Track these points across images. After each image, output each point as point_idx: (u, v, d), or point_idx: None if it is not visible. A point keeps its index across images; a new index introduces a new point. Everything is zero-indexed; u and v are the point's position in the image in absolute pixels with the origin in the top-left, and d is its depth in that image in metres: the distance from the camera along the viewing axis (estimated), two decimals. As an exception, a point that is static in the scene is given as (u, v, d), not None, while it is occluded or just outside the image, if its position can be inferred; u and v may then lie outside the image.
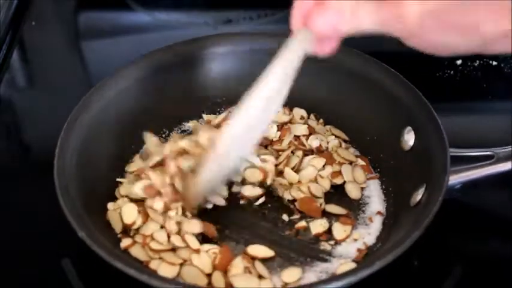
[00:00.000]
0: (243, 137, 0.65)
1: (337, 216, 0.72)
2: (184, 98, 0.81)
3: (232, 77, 0.81)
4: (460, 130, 0.71)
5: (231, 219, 0.72)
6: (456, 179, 0.69)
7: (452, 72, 0.91)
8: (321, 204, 0.72)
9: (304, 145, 0.77)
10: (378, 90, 0.77)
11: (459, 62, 0.92)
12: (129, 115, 0.77)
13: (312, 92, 0.80)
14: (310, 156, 0.76)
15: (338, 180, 0.74)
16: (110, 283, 0.61)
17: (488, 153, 0.72)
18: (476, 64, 0.92)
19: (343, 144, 0.79)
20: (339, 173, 0.75)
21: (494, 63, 0.93)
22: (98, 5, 1.03)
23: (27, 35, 0.98)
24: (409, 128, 0.73)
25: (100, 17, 1.03)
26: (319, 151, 0.77)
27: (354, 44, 0.89)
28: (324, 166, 0.76)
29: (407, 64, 0.84)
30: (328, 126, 0.80)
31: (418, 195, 0.68)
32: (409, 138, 0.73)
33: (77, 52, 0.99)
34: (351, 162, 0.76)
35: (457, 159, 0.70)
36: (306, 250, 0.69)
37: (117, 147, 0.76)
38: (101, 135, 0.74)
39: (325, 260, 0.68)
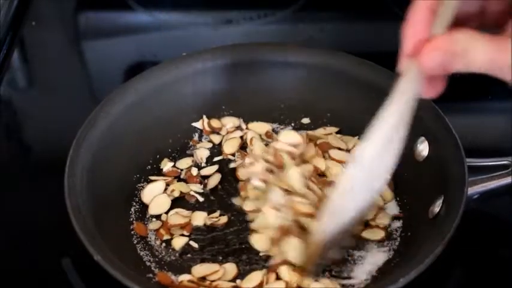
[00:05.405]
0: (360, 184, 0.61)
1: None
2: (198, 110, 0.80)
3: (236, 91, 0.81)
4: (460, 130, 0.70)
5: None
6: (473, 189, 0.67)
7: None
8: None
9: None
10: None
11: (459, 62, 0.92)
12: (139, 130, 0.76)
13: (327, 103, 0.79)
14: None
15: None
16: (110, 283, 0.61)
17: (504, 162, 0.69)
18: (476, 64, 0.92)
19: None
20: None
21: (494, 63, 0.92)
22: (98, 5, 1.03)
23: (27, 35, 0.98)
24: (422, 138, 0.72)
25: (100, 17, 1.03)
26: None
27: (348, 43, 0.89)
28: None
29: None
30: (339, 136, 0.79)
31: (436, 207, 0.66)
32: (423, 149, 0.71)
33: (77, 52, 0.99)
34: None
35: (471, 169, 0.67)
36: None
37: (129, 163, 0.74)
38: (111, 151, 0.72)
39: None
